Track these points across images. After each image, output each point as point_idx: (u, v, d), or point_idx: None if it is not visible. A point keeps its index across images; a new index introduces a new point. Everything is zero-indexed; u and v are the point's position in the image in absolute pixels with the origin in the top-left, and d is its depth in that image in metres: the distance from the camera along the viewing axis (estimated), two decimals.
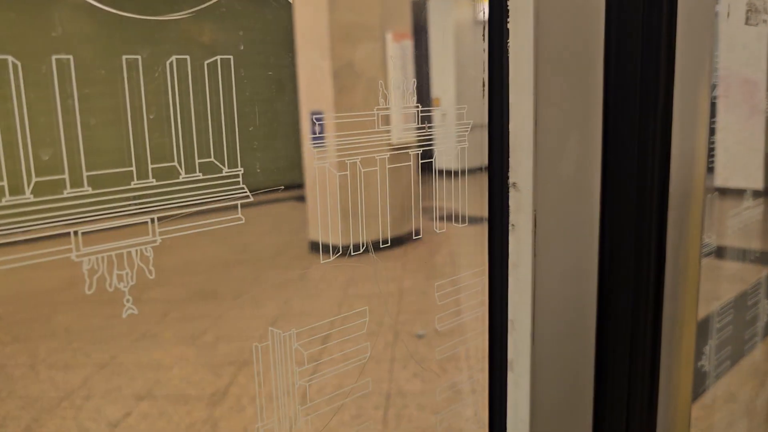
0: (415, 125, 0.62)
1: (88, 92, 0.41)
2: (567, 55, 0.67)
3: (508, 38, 0.65)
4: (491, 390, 0.72)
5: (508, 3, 0.64)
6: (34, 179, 0.40)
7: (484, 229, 0.65)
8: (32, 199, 0.40)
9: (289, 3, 0.51)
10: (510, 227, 0.68)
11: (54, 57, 0.39)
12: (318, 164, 0.53)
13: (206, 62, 0.46)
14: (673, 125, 0.82)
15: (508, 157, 0.66)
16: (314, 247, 0.53)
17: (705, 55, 0.86)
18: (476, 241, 0.64)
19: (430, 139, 0.61)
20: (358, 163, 0.56)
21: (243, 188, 0.49)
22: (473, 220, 0.63)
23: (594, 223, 0.74)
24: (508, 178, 0.67)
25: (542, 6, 0.63)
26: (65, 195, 0.41)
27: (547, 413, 0.72)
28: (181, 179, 0.46)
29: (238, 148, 0.49)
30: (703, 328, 1.10)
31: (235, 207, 0.49)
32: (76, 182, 0.41)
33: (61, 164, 0.41)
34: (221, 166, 0.48)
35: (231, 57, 0.47)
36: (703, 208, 0.93)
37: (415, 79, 0.60)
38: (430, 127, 0.64)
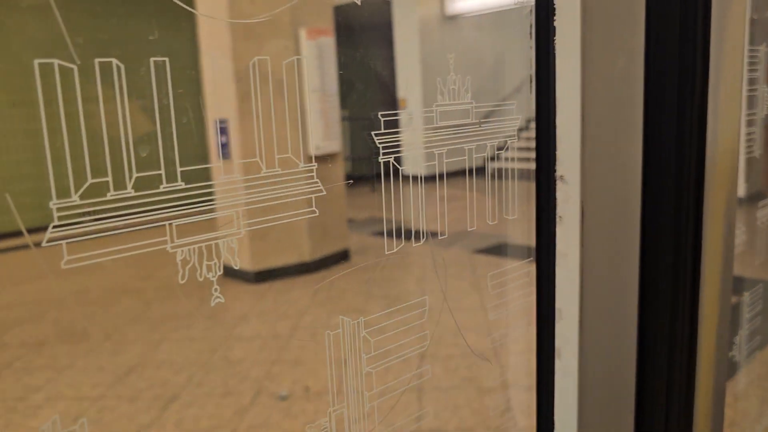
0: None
1: (181, 92, 0.43)
2: (611, 51, 0.69)
3: (554, 35, 0.67)
4: (539, 377, 0.74)
5: (554, 1, 0.67)
6: (134, 175, 0.42)
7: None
8: (133, 193, 0.42)
9: (357, 4, 0.53)
10: (557, 219, 0.70)
11: (152, 59, 0.42)
12: (383, 159, 0.55)
13: (284, 62, 0.48)
14: (708, 118, 0.84)
15: (555, 150, 0.69)
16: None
17: (738, 50, 0.88)
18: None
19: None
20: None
21: (317, 182, 0.52)
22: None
23: (636, 214, 0.76)
24: (555, 171, 0.69)
25: (588, 5, 0.65)
26: (161, 189, 0.43)
27: (594, 399, 0.74)
28: (262, 174, 0.48)
29: (311, 143, 0.51)
30: (734, 319, 1.12)
31: (310, 200, 0.52)
32: (171, 177, 0.44)
33: (157, 160, 0.43)
34: (297, 161, 0.50)
35: (304, 57, 0.50)
36: (736, 199, 0.95)
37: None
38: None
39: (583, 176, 0.68)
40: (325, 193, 0.52)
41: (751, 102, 1.06)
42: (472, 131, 0.64)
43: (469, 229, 0.65)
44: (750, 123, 1.06)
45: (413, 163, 0.59)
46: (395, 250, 0.58)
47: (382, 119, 0.55)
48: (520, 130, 0.66)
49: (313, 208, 0.52)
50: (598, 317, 0.73)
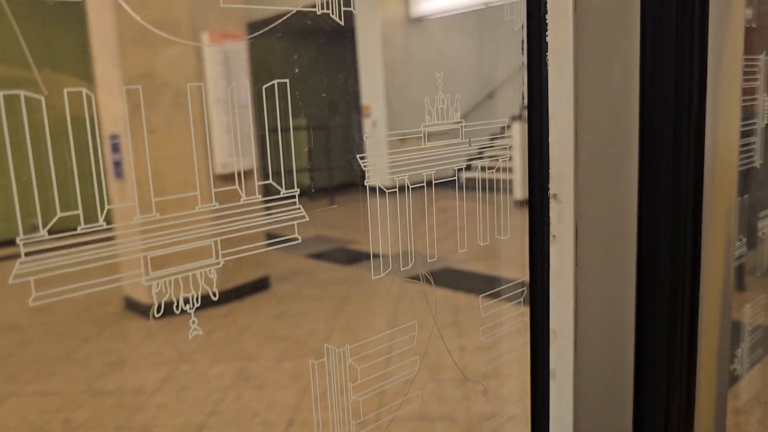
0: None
1: (155, 120, 0.42)
2: (605, 66, 0.68)
3: (547, 51, 0.66)
4: (533, 399, 0.72)
5: (547, 17, 0.65)
6: (106, 207, 0.41)
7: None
8: (105, 226, 0.41)
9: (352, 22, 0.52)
10: (551, 238, 0.68)
11: (125, 88, 0.40)
12: (369, 183, 0.54)
13: (264, 87, 0.47)
14: (706, 131, 0.82)
15: (548, 168, 0.67)
16: (366, 257, 0.54)
17: (736, 60, 0.86)
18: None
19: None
20: (406, 179, 0.56)
21: (299, 208, 0.50)
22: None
23: (632, 232, 0.74)
24: (548, 189, 0.67)
25: (580, 21, 0.64)
26: (135, 221, 0.42)
27: (590, 421, 0.73)
28: (242, 202, 0.47)
29: (294, 169, 0.49)
30: (735, 331, 1.10)
31: (291, 227, 0.50)
32: (145, 208, 0.42)
33: (131, 191, 0.42)
34: (279, 187, 0.49)
35: (287, 81, 0.48)
36: (736, 213, 0.93)
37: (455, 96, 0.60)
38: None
39: (576, 195, 0.66)
40: (308, 219, 0.51)
41: (750, 112, 1.05)
42: (462, 151, 0.62)
43: (459, 251, 0.63)
44: (749, 133, 1.04)
45: (401, 185, 0.57)
46: (382, 275, 0.57)
47: (367, 141, 0.54)
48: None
49: (296, 235, 0.50)
50: (594, 338, 0.72)
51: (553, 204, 0.68)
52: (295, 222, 0.50)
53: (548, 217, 0.68)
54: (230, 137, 0.45)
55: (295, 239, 0.50)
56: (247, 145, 0.47)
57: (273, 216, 0.49)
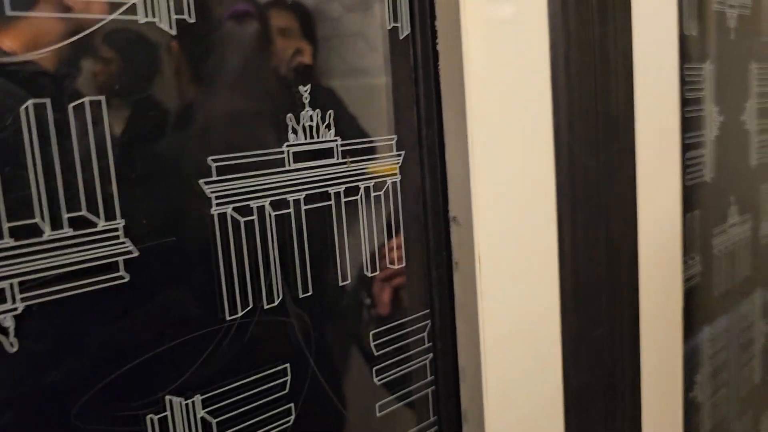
0: None
1: None
2: (505, 71, 0.62)
3: (437, 60, 0.60)
4: None
5: (436, 22, 0.59)
6: None
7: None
8: None
9: (171, 35, 0.46)
10: (454, 265, 0.62)
11: None
12: (217, 211, 0.48)
13: (71, 105, 0.41)
14: (638, 145, 0.76)
15: (446, 188, 0.61)
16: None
17: (671, 68, 0.81)
18: None
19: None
20: (267, 206, 0.50)
21: (124, 243, 0.44)
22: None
23: (551, 255, 0.68)
24: (447, 211, 0.61)
25: (470, 24, 0.58)
26: None
27: None
28: (45, 237, 0.41)
29: (116, 198, 0.43)
30: (693, 357, 1.03)
31: (116, 264, 0.44)
32: None
33: None
34: (96, 219, 0.43)
35: (102, 98, 0.42)
36: (683, 227, 0.87)
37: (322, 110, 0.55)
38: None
39: (478, 217, 0.60)
40: (137, 254, 0.44)
41: (696, 123, 0.99)
42: (338, 172, 0.56)
43: (342, 283, 0.57)
44: (696, 146, 0.99)
45: (261, 212, 0.51)
46: (239, 314, 0.50)
47: (214, 164, 0.48)
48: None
49: (121, 273, 0.44)
50: (510, 374, 0.65)
51: (453, 227, 0.61)
52: (120, 258, 0.44)
53: (449, 242, 0.62)
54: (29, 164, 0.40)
55: (121, 278, 0.44)
56: (51, 172, 0.41)
57: (89, 252, 0.42)
